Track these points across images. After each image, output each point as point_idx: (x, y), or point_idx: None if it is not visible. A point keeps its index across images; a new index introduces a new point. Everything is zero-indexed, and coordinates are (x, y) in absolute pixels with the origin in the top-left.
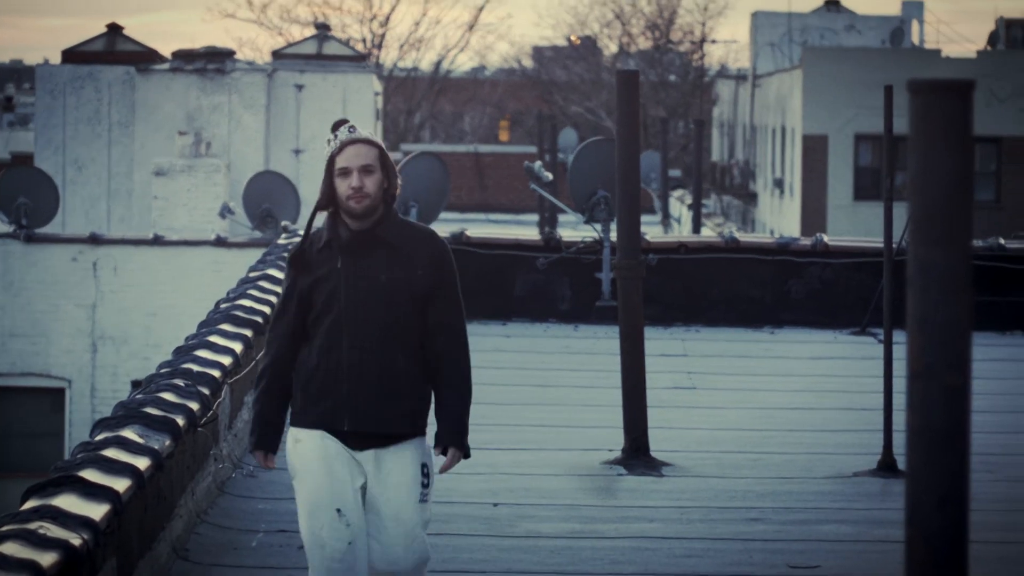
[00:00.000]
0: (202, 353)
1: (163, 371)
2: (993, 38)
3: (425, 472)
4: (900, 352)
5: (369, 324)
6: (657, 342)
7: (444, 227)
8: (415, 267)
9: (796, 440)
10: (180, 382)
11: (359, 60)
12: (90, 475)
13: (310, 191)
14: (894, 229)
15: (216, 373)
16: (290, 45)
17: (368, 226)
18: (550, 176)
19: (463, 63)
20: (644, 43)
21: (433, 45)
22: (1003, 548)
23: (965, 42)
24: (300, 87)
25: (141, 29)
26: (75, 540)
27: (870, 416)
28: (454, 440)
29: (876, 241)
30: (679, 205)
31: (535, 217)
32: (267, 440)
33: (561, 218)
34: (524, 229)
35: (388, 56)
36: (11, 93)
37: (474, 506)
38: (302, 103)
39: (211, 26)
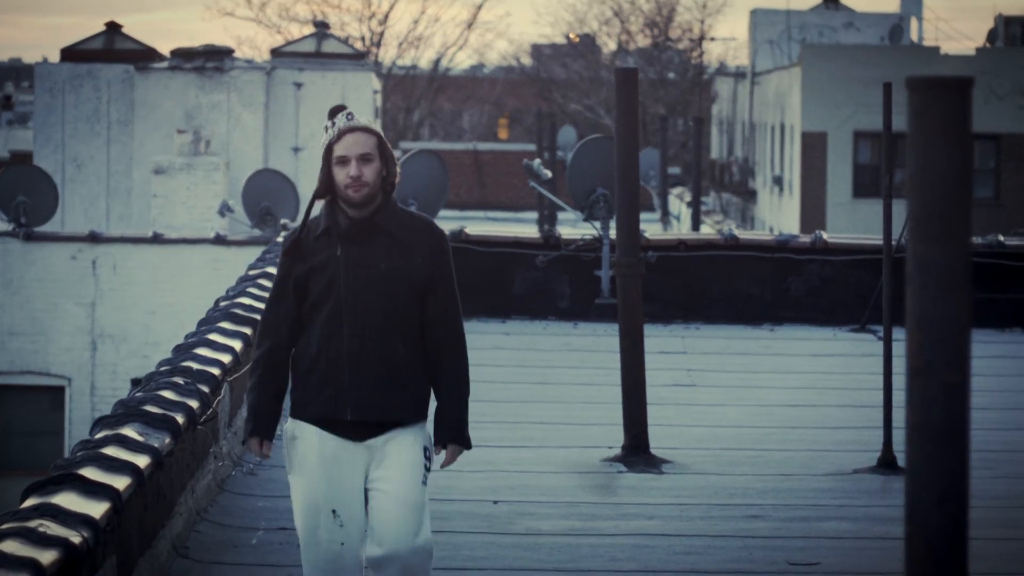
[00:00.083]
0: (202, 351)
1: (163, 369)
2: (992, 35)
3: (427, 455)
4: (900, 349)
5: (369, 313)
6: (657, 339)
7: (443, 225)
8: (414, 256)
9: (796, 437)
10: (180, 380)
11: (358, 58)
12: (90, 473)
13: (309, 189)
14: (893, 226)
15: (216, 371)
16: (289, 43)
17: (367, 214)
18: (549, 174)
19: (462, 61)
20: (643, 41)
21: (432, 43)
22: (1003, 545)
23: (964, 39)
24: (299, 85)
25: (140, 28)
26: (75, 538)
27: (870, 413)
28: (453, 435)
29: (875, 238)
30: (678, 203)
31: (534, 215)
32: (263, 427)
33: (560, 216)
34: (523, 227)
35: (387, 54)
36: (10, 92)
37: (474, 503)
38: (301, 101)
39: (210, 24)
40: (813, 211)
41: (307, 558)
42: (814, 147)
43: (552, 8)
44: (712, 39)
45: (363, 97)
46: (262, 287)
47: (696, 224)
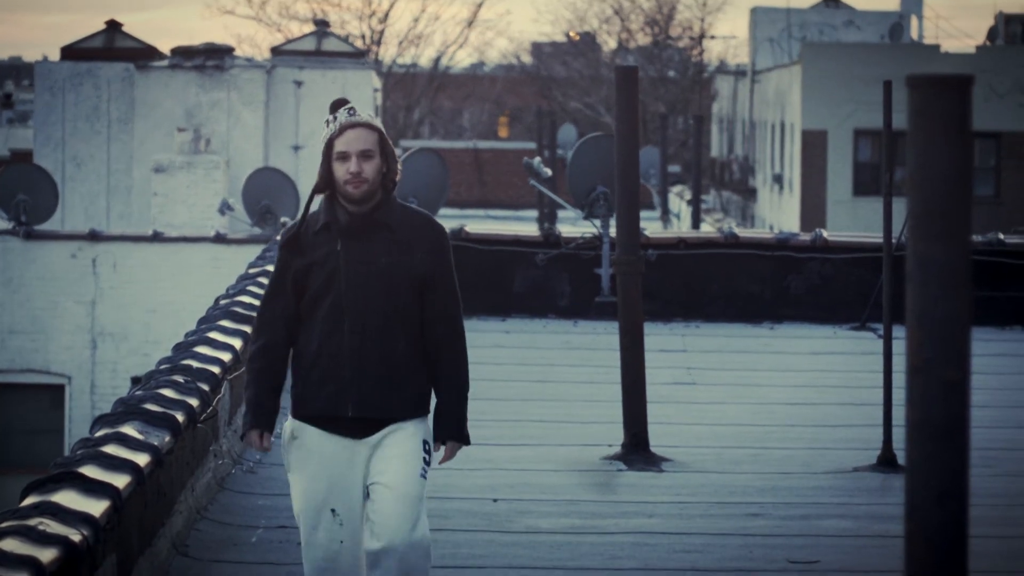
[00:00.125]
0: (202, 349)
1: (163, 367)
2: (992, 33)
3: (427, 449)
4: (900, 347)
5: (369, 309)
6: (657, 338)
7: (443, 223)
8: (414, 252)
9: (796, 435)
10: (180, 378)
11: (358, 56)
12: (90, 471)
13: (309, 187)
14: (893, 224)
15: (216, 369)
16: (289, 42)
17: (367, 210)
18: (549, 172)
19: (462, 59)
20: (643, 39)
21: (432, 41)
22: (1003, 543)
23: (964, 37)
24: (299, 83)
25: (140, 26)
26: (75, 536)
27: (870, 411)
28: (452, 432)
29: (875, 236)
30: (678, 201)
31: (534, 213)
32: (262, 420)
33: (560, 214)
34: (523, 225)
35: (387, 52)
36: (10, 90)
37: (473, 502)
38: (301, 99)
39: (210, 23)
40: (813, 209)
41: (307, 557)
42: (814, 145)
43: (552, 6)
44: (712, 37)
45: (363, 95)
46: (262, 285)
47: (696, 222)
